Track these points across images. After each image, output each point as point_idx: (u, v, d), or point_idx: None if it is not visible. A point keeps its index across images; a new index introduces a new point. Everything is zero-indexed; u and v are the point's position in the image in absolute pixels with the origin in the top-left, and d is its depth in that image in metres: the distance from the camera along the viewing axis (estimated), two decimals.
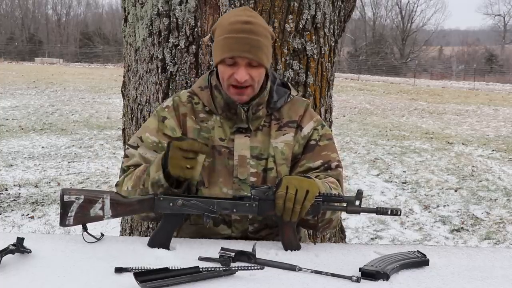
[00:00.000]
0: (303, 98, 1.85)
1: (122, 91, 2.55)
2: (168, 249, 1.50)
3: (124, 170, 1.71)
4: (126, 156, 1.73)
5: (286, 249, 1.53)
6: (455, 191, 6.42)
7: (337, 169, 1.74)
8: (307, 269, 1.36)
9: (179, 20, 2.10)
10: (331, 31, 2.25)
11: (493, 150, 9.29)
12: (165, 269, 1.25)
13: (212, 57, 2.08)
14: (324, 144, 1.74)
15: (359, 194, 1.50)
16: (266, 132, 1.72)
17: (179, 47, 2.12)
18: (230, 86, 1.64)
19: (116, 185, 1.71)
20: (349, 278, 1.32)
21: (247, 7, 1.76)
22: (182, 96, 1.76)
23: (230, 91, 1.65)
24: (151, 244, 1.52)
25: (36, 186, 5.97)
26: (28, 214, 4.99)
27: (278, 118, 1.74)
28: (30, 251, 1.39)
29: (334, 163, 1.73)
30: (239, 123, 1.69)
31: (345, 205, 1.53)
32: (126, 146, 1.75)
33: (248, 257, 1.40)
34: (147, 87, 2.25)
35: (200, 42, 2.10)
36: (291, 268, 1.37)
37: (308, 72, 2.17)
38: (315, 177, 1.63)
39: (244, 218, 1.68)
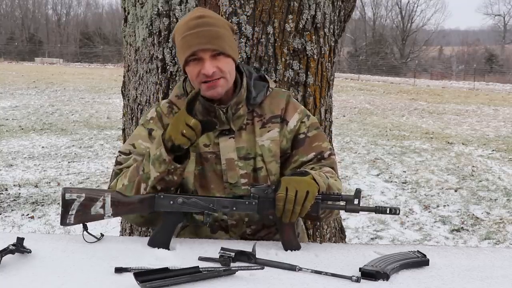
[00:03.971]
0: (283, 90, 1.81)
1: (122, 91, 2.55)
2: (168, 249, 1.50)
3: (117, 174, 1.67)
4: (118, 163, 1.69)
5: (286, 249, 1.53)
6: (455, 191, 6.42)
7: (330, 157, 1.72)
8: (307, 269, 1.36)
9: (179, 20, 2.10)
10: (331, 31, 2.25)
11: (493, 150, 9.29)
12: (165, 269, 1.25)
13: None
14: (313, 135, 1.72)
15: (358, 193, 1.50)
16: (250, 130, 1.69)
17: None
18: (201, 84, 1.59)
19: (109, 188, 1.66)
20: (349, 278, 1.32)
21: (200, 7, 1.74)
22: (163, 107, 1.73)
23: (203, 89, 1.59)
24: (151, 244, 1.52)
25: (36, 186, 5.97)
26: (28, 214, 4.99)
27: (261, 114, 1.70)
28: (30, 251, 1.39)
29: (326, 153, 1.71)
30: (221, 125, 1.65)
31: (343, 203, 1.53)
32: (118, 154, 1.71)
33: (248, 257, 1.40)
34: (147, 87, 2.25)
35: None
36: (291, 268, 1.37)
37: (308, 72, 2.17)
38: (311, 169, 1.63)
39: (240, 221, 1.67)
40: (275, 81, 2.08)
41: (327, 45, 2.23)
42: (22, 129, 9.96)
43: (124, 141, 2.53)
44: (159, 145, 1.51)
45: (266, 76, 1.79)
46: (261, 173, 1.67)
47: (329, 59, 2.27)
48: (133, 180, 1.57)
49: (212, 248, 1.49)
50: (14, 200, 5.43)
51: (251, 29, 2.05)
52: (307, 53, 2.15)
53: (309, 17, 2.13)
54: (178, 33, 1.61)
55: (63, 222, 1.50)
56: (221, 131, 1.66)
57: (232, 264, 1.37)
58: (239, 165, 1.66)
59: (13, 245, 1.38)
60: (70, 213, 1.49)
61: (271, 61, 2.09)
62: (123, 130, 2.55)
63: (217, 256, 1.40)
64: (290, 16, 2.10)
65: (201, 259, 1.42)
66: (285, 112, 1.72)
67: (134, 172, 1.58)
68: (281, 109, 1.72)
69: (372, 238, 4.70)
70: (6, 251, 1.35)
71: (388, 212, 1.49)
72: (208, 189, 1.66)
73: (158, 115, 1.71)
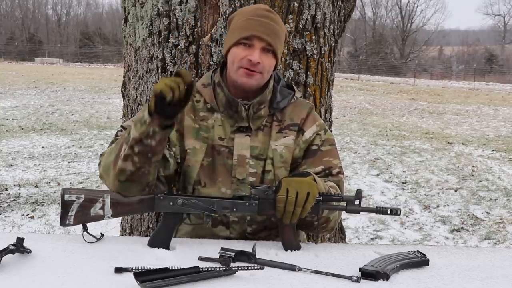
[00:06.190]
0: (307, 101, 1.83)
1: (122, 91, 2.56)
2: (168, 249, 1.50)
3: (112, 142, 1.67)
4: (117, 135, 1.69)
5: (286, 249, 1.53)
6: (455, 191, 6.42)
7: (338, 176, 1.72)
8: (307, 269, 1.36)
9: (179, 20, 2.10)
10: (331, 31, 2.25)
11: (493, 150, 9.29)
12: (165, 269, 1.25)
13: (212, 57, 2.08)
14: (326, 150, 1.73)
15: (359, 194, 1.50)
16: (267, 132, 1.71)
17: (179, 47, 2.12)
18: (240, 68, 1.62)
19: (101, 155, 1.65)
20: (349, 278, 1.32)
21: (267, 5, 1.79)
22: None
23: (239, 73, 1.62)
24: (151, 244, 1.52)
25: (36, 186, 5.97)
26: (28, 214, 4.99)
27: (280, 119, 1.73)
28: (30, 251, 1.39)
29: (335, 170, 1.71)
30: (240, 122, 1.68)
31: (344, 204, 1.53)
32: (120, 128, 1.72)
33: (248, 257, 1.40)
34: (147, 87, 2.25)
35: (200, 42, 2.10)
36: (291, 268, 1.37)
37: (308, 72, 2.17)
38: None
39: (242, 219, 1.67)
40: None
41: (327, 45, 2.23)
42: (22, 129, 9.96)
43: None
44: (144, 109, 1.49)
45: (294, 86, 1.81)
46: (268, 176, 1.67)
47: (329, 59, 2.27)
48: (119, 143, 1.55)
49: (212, 248, 1.49)
50: (14, 200, 5.43)
51: None
52: (307, 53, 2.15)
53: (309, 17, 2.13)
54: (242, 15, 1.66)
55: (63, 222, 1.50)
56: (238, 128, 1.68)
57: (232, 264, 1.37)
58: (250, 163, 1.67)
59: (13, 245, 1.38)
60: (69, 214, 1.49)
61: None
62: None
63: (217, 256, 1.40)
64: (290, 16, 2.10)
65: (201, 259, 1.42)
66: (304, 122, 1.74)
67: (122, 137, 1.57)
68: (301, 118, 1.74)
69: (372, 238, 4.70)
70: (6, 251, 1.35)
71: (389, 212, 1.49)
72: (215, 181, 1.66)
73: None
